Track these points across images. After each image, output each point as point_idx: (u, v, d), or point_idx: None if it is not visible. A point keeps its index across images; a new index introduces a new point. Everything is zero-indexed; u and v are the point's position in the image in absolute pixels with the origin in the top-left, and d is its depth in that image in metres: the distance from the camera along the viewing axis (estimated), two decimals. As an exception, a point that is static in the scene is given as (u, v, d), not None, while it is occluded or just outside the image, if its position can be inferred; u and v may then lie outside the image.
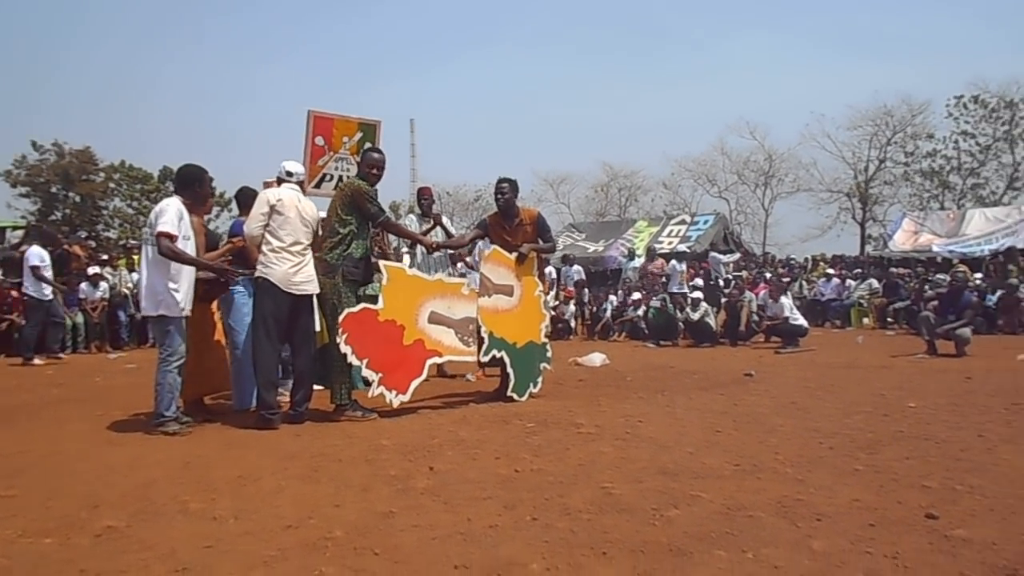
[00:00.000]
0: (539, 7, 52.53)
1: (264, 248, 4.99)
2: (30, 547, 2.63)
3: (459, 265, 7.41)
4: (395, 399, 5.15)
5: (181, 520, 2.89)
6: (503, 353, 5.83)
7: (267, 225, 5.00)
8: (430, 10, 53.38)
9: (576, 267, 16.13)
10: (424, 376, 5.41)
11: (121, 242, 27.39)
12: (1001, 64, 36.74)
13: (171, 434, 4.59)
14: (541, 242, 6.18)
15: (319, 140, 8.12)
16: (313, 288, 5.05)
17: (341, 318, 4.96)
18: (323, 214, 5.44)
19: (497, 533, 2.67)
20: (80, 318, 11.94)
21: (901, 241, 19.87)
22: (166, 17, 52.17)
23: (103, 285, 12.38)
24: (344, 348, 4.91)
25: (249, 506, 3.05)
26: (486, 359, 5.82)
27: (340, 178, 8.41)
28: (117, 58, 51.25)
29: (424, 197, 7.99)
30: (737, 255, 17.69)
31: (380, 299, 5.19)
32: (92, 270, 12.56)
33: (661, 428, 4.60)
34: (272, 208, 5.00)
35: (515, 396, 5.87)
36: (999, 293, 12.48)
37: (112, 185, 35.67)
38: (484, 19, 53.98)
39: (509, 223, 6.11)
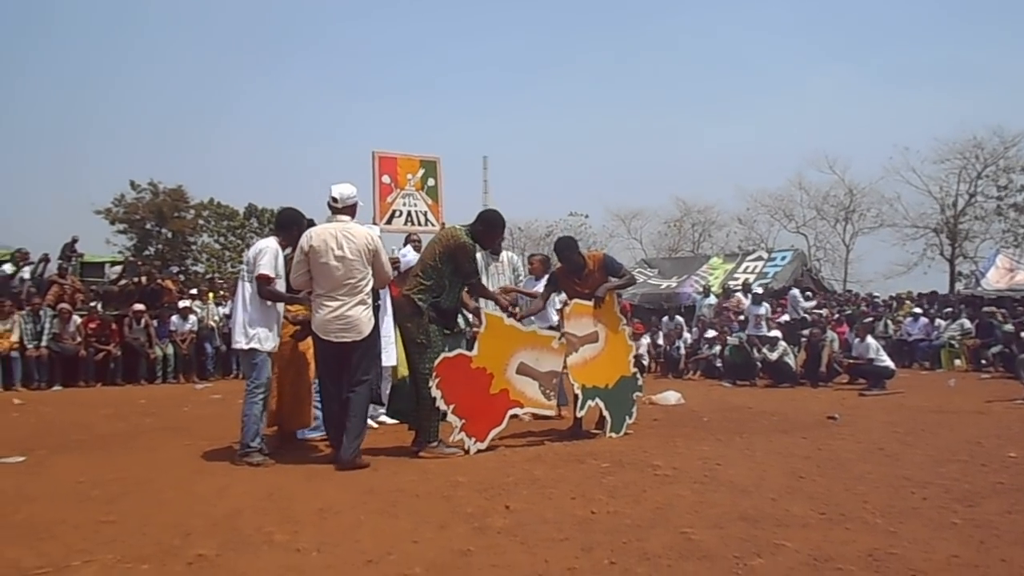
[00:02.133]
0: (612, 40, 53.02)
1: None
2: (128, 572, 2.76)
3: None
4: (473, 447, 5.19)
5: (267, 551, 2.98)
6: (596, 400, 5.84)
7: (308, 271, 4.83)
8: (501, 46, 54.57)
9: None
10: (504, 426, 5.46)
11: (208, 276, 28.69)
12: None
13: (256, 465, 4.75)
14: (612, 280, 6.18)
15: (386, 178, 8.42)
16: (354, 336, 4.74)
17: (436, 363, 5.03)
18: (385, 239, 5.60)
19: (575, 576, 2.65)
20: (170, 349, 12.51)
21: (995, 279, 18.88)
22: (250, 57, 54.99)
23: (192, 318, 12.97)
24: (434, 392, 4.99)
25: (330, 539, 3.11)
26: (582, 413, 5.83)
27: (409, 213, 8.68)
28: (206, 98, 54.26)
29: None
30: (814, 302, 17.10)
31: (476, 346, 5.29)
32: (182, 303, 13.18)
33: (741, 471, 4.47)
34: (306, 254, 4.80)
35: (613, 435, 5.90)
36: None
37: (201, 222, 37.51)
38: (556, 52, 54.84)
39: (579, 276, 6.16)
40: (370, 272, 4.84)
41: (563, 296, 6.43)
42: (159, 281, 13.98)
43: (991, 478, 4.24)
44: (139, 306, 12.46)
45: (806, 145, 53.90)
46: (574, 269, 6.17)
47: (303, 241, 4.80)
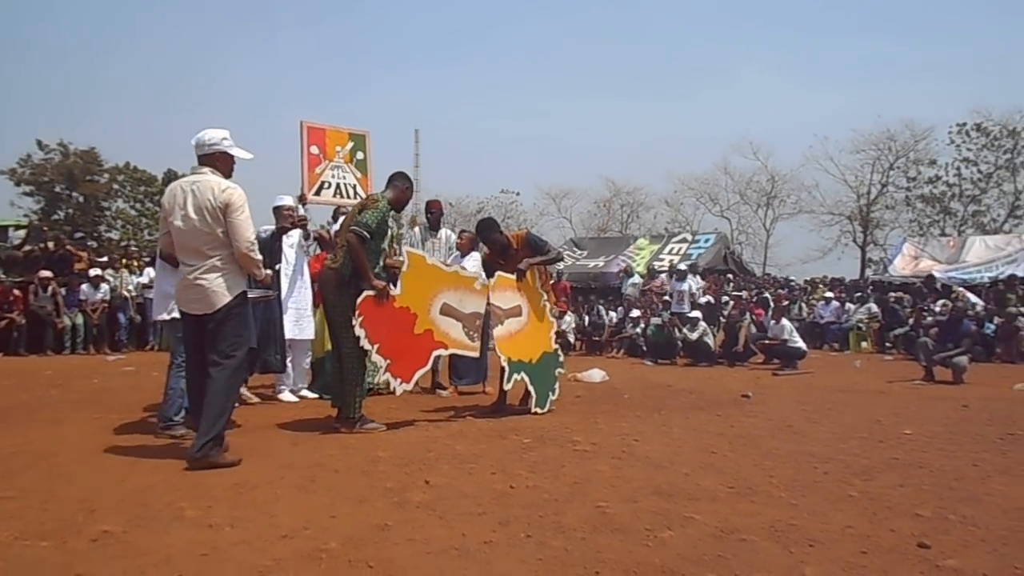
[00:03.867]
0: (545, 22, 52.84)
1: None
2: (26, 550, 2.64)
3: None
4: (399, 387, 5.18)
5: (177, 527, 2.90)
6: (522, 374, 5.88)
7: (167, 233, 4.22)
8: (436, 18, 53.63)
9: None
10: (428, 367, 5.47)
11: (123, 244, 27.48)
12: (1004, 92, 37.04)
13: (178, 437, 4.62)
14: (536, 256, 6.23)
15: (314, 149, 8.25)
16: (203, 308, 4.04)
17: (360, 300, 4.94)
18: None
19: (491, 550, 2.68)
20: (80, 319, 11.96)
21: (901, 266, 19.92)
22: (170, 19, 52.35)
23: (104, 287, 12.42)
24: (358, 331, 4.91)
25: (245, 514, 3.06)
26: (509, 386, 5.87)
27: (338, 185, 8.53)
28: (126, 59, 51.46)
29: (432, 210, 7.97)
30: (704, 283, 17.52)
31: (399, 284, 5.22)
32: (93, 272, 12.60)
33: (657, 447, 4.61)
34: (163, 210, 4.21)
35: (538, 410, 5.95)
36: (998, 322, 12.49)
37: (116, 187, 35.80)
38: (490, 30, 54.28)
39: (503, 255, 6.19)
40: (221, 234, 4.04)
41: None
42: (67, 247, 13.31)
43: (887, 454, 4.50)
44: (45, 273, 11.86)
45: (732, 132, 55.36)
46: (498, 249, 6.20)
47: (163, 197, 4.22)
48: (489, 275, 6.29)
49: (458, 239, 7.81)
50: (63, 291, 11.95)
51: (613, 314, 15.02)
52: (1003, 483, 3.75)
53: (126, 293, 12.81)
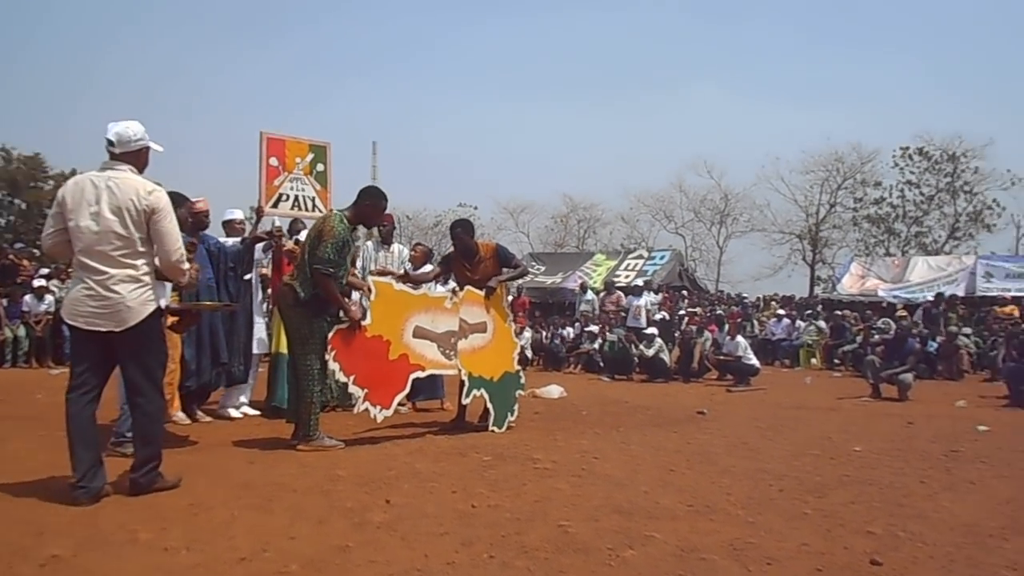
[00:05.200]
0: (503, 37, 53.26)
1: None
2: (-30, 576, 2.54)
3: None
4: (379, 414, 5.18)
5: (130, 550, 2.82)
6: (482, 391, 5.88)
7: (64, 231, 3.61)
8: (395, 30, 53.53)
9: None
10: (407, 391, 5.45)
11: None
12: (945, 118, 38.81)
13: (130, 455, 4.46)
14: (505, 271, 6.26)
15: (273, 161, 8.13)
16: (110, 324, 3.53)
17: (331, 334, 4.93)
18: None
19: (454, 571, 2.67)
20: (22, 331, 11.56)
21: (849, 285, 20.49)
22: (120, 19, 51.23)
23: (48, 298, 12.03)
24: (332, 365, 4.90)
25: (201, 536, 2.99)
26: (467, 401, 5.86)
27: (296, 198, 8.42)
28: (71, 62, 50.12)
29: (384, 224, 7.92)
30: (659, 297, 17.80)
31: (367, 314, 5.19)
32: (37, 283, 12.20)
33: (616, 465, 4.65)
34: (60, 208, 3.60)
35: (495, 430, 5.93)
36: (940, 340, 12.92)
37: (61, 194, 34.79)
38: (449, 43, 54.45)
39: (470, 261, 6.18)
40: (140, 241, 3.59)
41: (452, 282, 6.47)
42: (10, 257, 12.88)
43: (839, 471, 4.61)
44: (-14, 283, 11.44)
45: (687, 150, 56.37)
46: (466, 253, 6.18)
47: (59, 191, 3.67)
48: (445, 274, 6.30)
49: (412, 251, 7.80)
50: (5, 302, 11.54)
51: (570, 329, 15.11)
52: (949, 500, 3.88)
53: (72, 305, 12.42)
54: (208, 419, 6.31)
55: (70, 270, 13.15)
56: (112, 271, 3.54)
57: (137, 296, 3.59)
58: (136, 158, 3.72)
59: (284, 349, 6.40)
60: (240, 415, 6.58)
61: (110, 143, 3.66)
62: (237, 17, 54.50)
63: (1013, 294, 16.89)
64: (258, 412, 6.70)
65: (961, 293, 17.09)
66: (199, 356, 5.86)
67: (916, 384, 9.42)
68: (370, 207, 5.32)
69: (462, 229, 6.23)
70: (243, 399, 6.72)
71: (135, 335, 3.58)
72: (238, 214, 7.11)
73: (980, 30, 44.52)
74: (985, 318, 15.10)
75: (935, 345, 12.78)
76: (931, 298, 16.14)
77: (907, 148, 31.99)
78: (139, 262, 3.62)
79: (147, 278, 3.66)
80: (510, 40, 53.66)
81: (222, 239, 6.46)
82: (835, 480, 4.33)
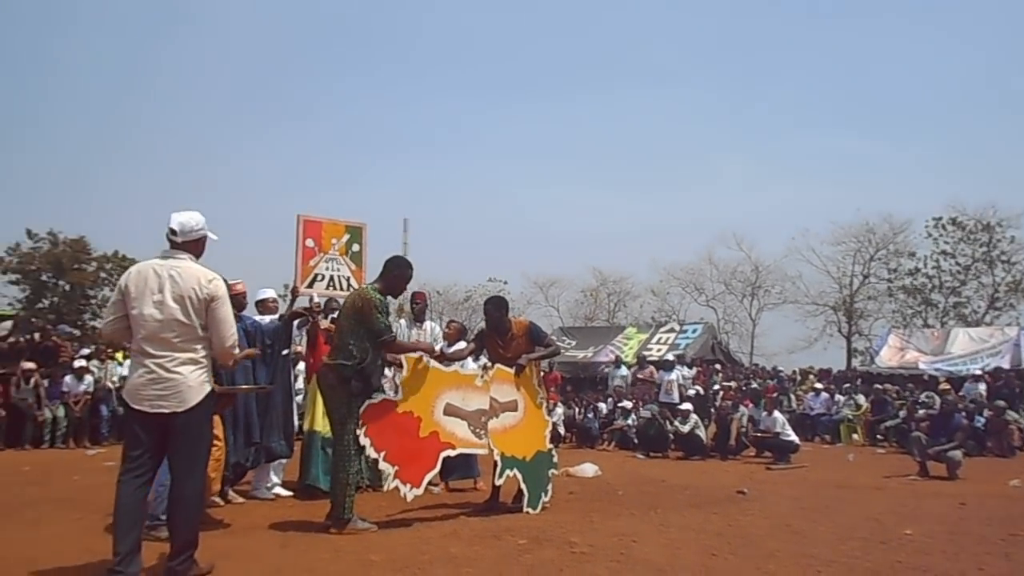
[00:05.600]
0: (532, 114, 54.58)
1: None
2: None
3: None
4: (409, 493, 5.12)
5: (164, 641, 2.78)
6: (515, 471, 5.80)
7: (124, 317, 3.76)
8: (422, 111, 55.20)
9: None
10: (437, 469, 5.40)
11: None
12: (977, 188, 38.54)
13: (165, 539, 4.45)
14: (538, 348, 6.25)
15: (309, 242, 8.36)
16: (173, 405, 3.65)
17: (363, 409, 4.95)
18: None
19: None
20: (61, 411, 11.73)
21: (887, 357, 20.03)
22: (164, 110, 53.48)
23: (88, 379, 12.25)
24: (363, 440, 4.90)
25: (235, 626, 2.94)
26: (501, 482, 5.79)
27: (331, 278, 8.59)
28: (118, 147, 52.25)
29: (417, 302, 8.01)
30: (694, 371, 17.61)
31: (399, 390, 5.21)
32: (78, 363, 12.45)
33: (656, 549, 4.51)
34: (122, 296, 3.76)
35: (530, 511, 5.82)
36: (987, 415, 12.50)
37: (103, 275, 35.80)
38: (479, 121, 55.86)
39: (502, 338, 6.20)
40: (199, 328, 3.75)
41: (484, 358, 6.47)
42: (53, 338, 13.20)
43: (890, 556, 4.42)
44: (29, 364, 11.70)
45: (715, 222, 56.44)
46: (499, 329, 6.20)
47: (121, 279, 3.86)
48: (479, 351, 6.30)
49: (446, 328, 7.84)
50: (45, 383, 11.76)
51: (603, 405, 14.92)
52: (1010, 588, 3.68)
53: (110, 384, 12.62)
54: (241, 500, 6.28)
55: (108, 350, 13.48)
56: (174, 354, 3.68)
57: (197, 376, 3.73)
58: (196, 246, 3.91)
59: (318, 427, 6.41)
60: (273, 496, 6.54)
61: (172, 232, 3.83)
62: (270, 101, 56.70)
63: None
64: (291, 493, 6.66)
65: (1007, 366, 16.59)
66: (233, 435, 5.89)
67: (965, 462, 9.06)
68: (398, 276, 5.40)
69: (493, 306, 6.27)
70: (275, 479, 6.69)
71: (192, 416, 3.69)
72: (271, 293, 7.26)
73: (1001, 103, 44.67)
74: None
75: (983, 420, 12.35)
76: (977, 371, 15.69)
77: (940, 218, 31.69)
78: (199, 346, 3.77)
79: (205, 360, 3.81)
80: (539, 117, 54.92)
81: (257, 318, 6.57)
82: (887, 567, 4.14)
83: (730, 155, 51.47)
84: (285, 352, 6.47)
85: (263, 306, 7.11)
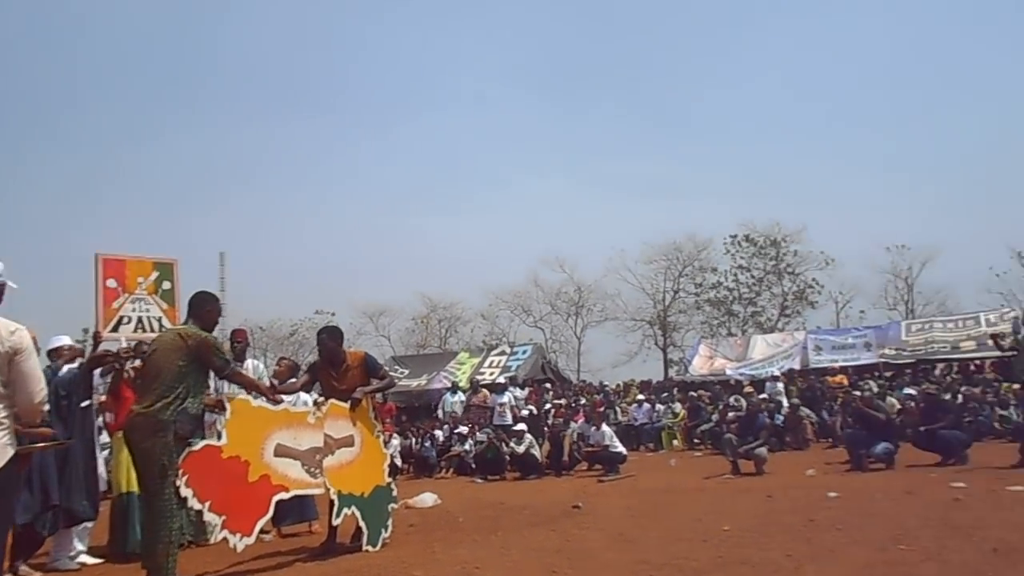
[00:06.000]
0: (345, 142, 53.76)
1: None
2: None
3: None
4: (240, 543, 4.75)
5: None
6: (353, 508, 5.59)
7: None
8: (231, 140, 52.69)
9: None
10: (269, 515, 5.08)
11: None
12: (766, 208, 43.25)
13: None
14: (374, 381, 6.12)
15: (111, 282, 7.72)
16: None
17: (181, 458, 4.55)
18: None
19: None
20: None
21: (699, 365, 21.69)
22: None
23: None
24: (184, 491, 4.50)
25: None
26: (338, 521, 5.55)
27: (140, 319, 7.94)
28: None
29: (238, 340, 7.58)
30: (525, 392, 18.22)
31: (223, 434, 4.85)
32: None
33: (499, 574, 4.54)
34: None
35: (370, 549, 5.62)
36: (785, 412, 13.86)
37: None
38: (292, 150, 54.20)
39: (336, 370, 6.01)
40: (1, 385, 3.37)
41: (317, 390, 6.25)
42: None
43: (712, 552, 4.76)
44: None
45: (538, 245, 58.57)
46: (333, 361, 6.00)
47: None
48: (311, 383, 6.09)
49: (276, 366, 7.51)
50: None
51: (439, 432, 14.87)
52: (814, 571, 4.08)
53: None
54: (38, 575, 5.58)
55: None
56: None
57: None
58: None
59: (133, 487, 5.82)
60: (77, 566, 5.85)
61: None
62: (58, 132, 51.71)
63: (840, 364, 18.58)
64: (99, 560, 6.00)
65: (797, 367, 18.54)
66: (29, 495, 5.23)
67: (770, 457, 9.98)
68: (210, 311, 5.11)
69: (328, 336, 6.08)
70: (79, 546, 5.98)
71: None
72: (65, 340, 6.53)
73: (784, 129, 50.41)
74: (820, 388, 16.42)
75: (782, 418, 13.67)
76: (775, 373, 17.35)
77: (735, 235, 34.99)
78: (0, 405, 3.35)
79: (7, 421, 3.38)
80: (355, 144, 54.22)
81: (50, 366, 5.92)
82: (711, 563, 4.45)
83: (547, 177, 53.68)
84: (86, 403, 5.85)
85: (57, 355, 6.40)
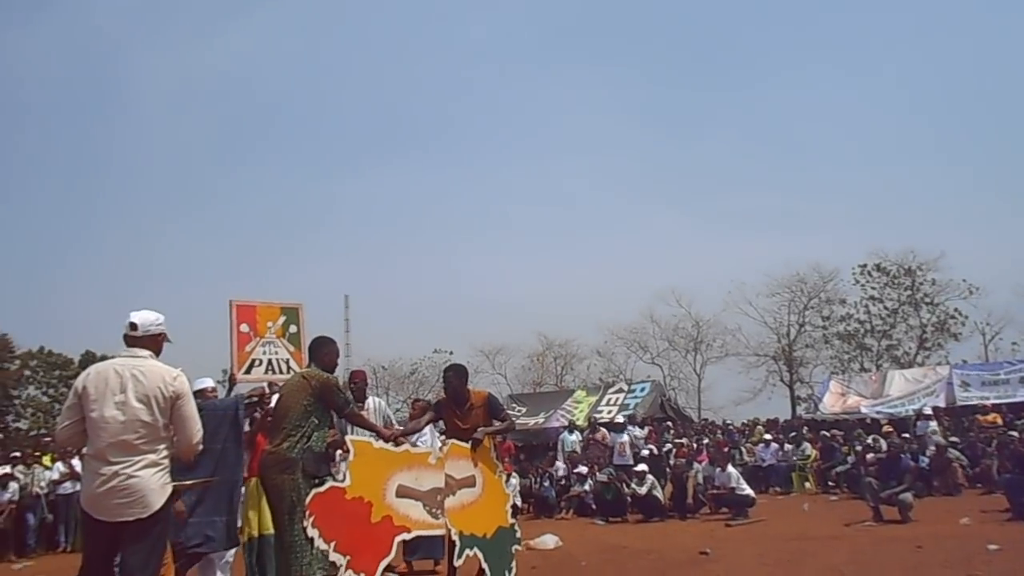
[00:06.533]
0: (464, 184, 55.39)
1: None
2: None
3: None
4: None
5: None
6: (475, 550, 5.60)
7: (81, 421, 3.60)
8: (355, 186, 55.51)
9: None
10: (393, 555, 5.14)
11: (33, 434, 25.79)
12: (897, 235, 40.70)
13: None
14: (495, 422, 6.15)
15: (244, 327, 8.16)
16: (137, 511, 3.49)
17: (308, 499, 4.72)
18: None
19: None
20: (-18, 523, 10.92)
21: (831, 403, 20.47)
22: (79, 197, 52.18)
23: (12, 486, 11.47)
24: (311, 531, 4.65)
25: None
26: (460, 562, 5.57)
27: (270, 362, 8.36)
28: (37, 239, 50.56)
29: (355, 381, 7.80)
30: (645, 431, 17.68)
31: (347, 475, 5.00)
32: (2, 469, 11.67)
33: (626, 623, 4.39)
34: (78, 398, 3.61)
35: None
36: (930, 454, 12.81)
37: (28, 372, 34.13)
38: (414, 193, 56.37)
39: (460, 408, 6.08)
40: (163, 427, 3.62)
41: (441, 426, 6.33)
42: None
43: (858, 608, 4.41)
44: (-52, 474, 10.91)
45: (654, 280, 57.70)
46: (457, 399, 6.08)
47: (78, 381, 3.69)
48: (436, 420, 6.17)
49: (411, 408, 7.67)
50: (-35, 492, 10.97)
51: (560, 464, 14.71)
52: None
53: (37, 490, 11.82)
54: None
55: (35, 453, 12.70)
56: (134, 458, 3.53)
57: (159, 479, 3.60)
58: (154, 343, 3.83)
59: (267, 529, 6.05)
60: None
61: (132, 327, 3.76)
62: (200, 186, 56.17)
63: (992, 402, 16.99)
64: None
65: (942, 404, 17.16)
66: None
67: (916, 503, 9.22)
68: (328, 353, 5.36)
69: (454, 374, 6.18)
70: None
71: (154, 520, 3.55)
72: (209, 383, 6.94)
73: (914, 152, 47.66)
74: (969, 428, 15.10)
75: (926, 460, 12.65)
76: (928, 411, 16.04)
77: (865, 265, 33.13)
78: (161, 446, 3.65)
79: (165, 461, 3.68)
80: (471, 187, 55.85)
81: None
82: (857, 620, 4.12)
83: (661, 213, 53.06)
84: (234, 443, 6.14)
85: (202, 395, 6.82)
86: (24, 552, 11.30)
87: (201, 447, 3.89)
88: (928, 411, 15.96)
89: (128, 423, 3.53)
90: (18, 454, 13.12)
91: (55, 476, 11.78)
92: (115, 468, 3.49)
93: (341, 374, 6.28)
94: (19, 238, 49.37)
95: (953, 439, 13.92)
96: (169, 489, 3.67)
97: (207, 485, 5.55)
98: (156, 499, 3.54)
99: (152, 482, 3.55)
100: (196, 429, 3.75)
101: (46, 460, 12.41)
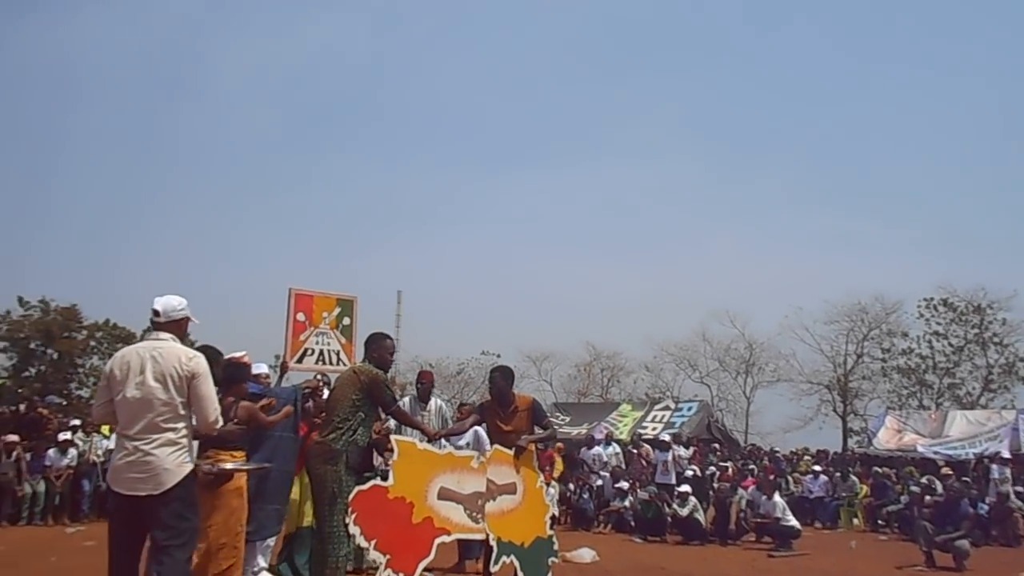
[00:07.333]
0: (527, 185, 55.47)
1: None
2: None
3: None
4: None
5: None
6: (512, 558, 5.58)
7: (110, 402, 3.85)
8: (416, 183, 56.03)
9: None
10: (432, 556, 5.15)
11: (93, 402, 26.69)
12: (966, 270, 39.02)
13: None
14: (537, 428, 6.12)
15: (300, 316, 8.27)
16: (150, 488, 3.65)
17: (351, 496, 4.77)
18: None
19: None
20: (42, 487, 11.37)
21: (885, 439, 19.79)
22: (150, 174, 53.91)
23: (72, 452, 11.92)
24: (352, 528, 4.70)
25: None
26: (496, 568, 5.55)
27: (321, 352, 8.46)
28: (108, 218, 52.50)
29: (422, 382, 7.87)
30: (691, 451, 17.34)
31: (390, 475, 5.04)
32: (62, 436, 12.14)
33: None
34: (107, 380, 3.87)
35: None
36: (990, 502, 12.26)
37: (93, 343, 35.43)
38: (472, 194, 56.64)
39: (504, 411, 6.07)
40: (181, 406, 3.79)
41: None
42: (39, 410, 12.93)
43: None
44: (12, 437, 11.39)
45: (708, 300, 56.78)
46: (501, 401, 6.06)
47: (107, 364, 3.97)
48: (480, 422, 6.20)
49: (458, 413, 7.70)
50: (28, 456, 11.45)
51: (604, 473, 14.56)
52: None
53: (94, 458, 12.26)
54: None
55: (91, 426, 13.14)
56: (152, 436, 3.71)
57: (175, 459, 3.74)
58: (178, 327, 4.05)
59: (306, 521, 6.14)
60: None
61: (156, 313, 3.97)
62: (266, 175, 57.47)
63: (1061, 451, 16.16)
64: None
65: (1007, 453, 16.38)
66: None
67: (973, 552, 8.83)
68: (384, 350, 5.46)
69: (500, 375, 6.17)
70: (262, 562, 6.40)
71: (169, 500, 3.68)
72: (263, 368, 7.08)
73: (992, 184, 45.86)
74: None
75: (986, 507, 12.11)
76: (1005, 454, 15.27)
77: (931, 299, 31.92)
78: (180, 425, 3.80)
79: (184, 440, 3.82)
80: (529, 189, 55.81)
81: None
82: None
83: (721, 231, 52.26)
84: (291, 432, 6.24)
85: (256, 381, 6.96)
86: (78, 517, 11.73)
87: (220, 424, 4.02)
88: (1006, 455, 15.12)
89: (146, 401, 3.73)
90: (78, 422, 13.62)
91: (112, 445, 12.19)
92: (136, 444, 3.70)
93: (400, 373, 6.34)
94: (91, 212, 51.24)
95: (1016, 488, 13.30)
96: (187, 469, 3.80)
97: (264, 472, 5.67)
98: (169, 478, 3.69)
99: (167, 461, 3.70)
100: (213, 408, 3.90)
101: (105, 429, 12.84)
